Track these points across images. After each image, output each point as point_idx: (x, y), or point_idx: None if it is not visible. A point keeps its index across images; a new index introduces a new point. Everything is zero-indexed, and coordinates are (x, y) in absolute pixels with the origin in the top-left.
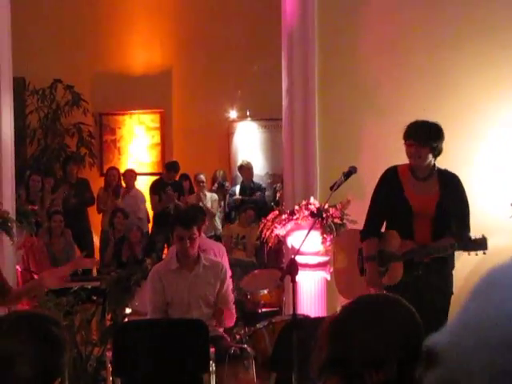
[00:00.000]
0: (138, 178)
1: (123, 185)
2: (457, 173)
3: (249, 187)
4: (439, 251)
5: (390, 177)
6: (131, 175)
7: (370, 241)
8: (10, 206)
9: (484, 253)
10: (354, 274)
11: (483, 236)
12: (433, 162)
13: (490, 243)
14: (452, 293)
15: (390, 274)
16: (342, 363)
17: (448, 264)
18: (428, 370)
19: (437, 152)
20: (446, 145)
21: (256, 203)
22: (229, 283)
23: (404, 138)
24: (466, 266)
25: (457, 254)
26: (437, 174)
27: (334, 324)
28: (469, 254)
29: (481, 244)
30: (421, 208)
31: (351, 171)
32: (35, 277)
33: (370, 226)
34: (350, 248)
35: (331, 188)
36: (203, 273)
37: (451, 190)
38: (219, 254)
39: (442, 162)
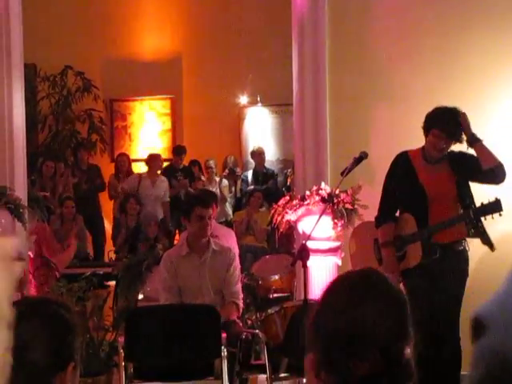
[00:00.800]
0: None
1: (133, 171)
2: None
3: (261, 173)
4: (454, 221)
5: (403, 162)
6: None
7: (385, 227)
8: (21, 192)
9: (500, 214)
10: (371, 265)
11: (496, 198)
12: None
13: (501, 228)
14: (468, 275)
15: (408, 256)
16: (321, 350)
17: (464, 247)
18: (476, 339)
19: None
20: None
21: (268, 190)
22: (236, 270)
23: (431, 127)
24: (476, 252)
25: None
26: (447, 156)
27: (317, 307)
28: (485, 219)
29: (495, 206)
30: (436, 192)
31: (362, 156)
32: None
33: (385, 212)
34: (366, 239)
35: (342, 173)
36: (213, 258)
37: (461, 160)
38: (230, 240)
39: (453, 145)
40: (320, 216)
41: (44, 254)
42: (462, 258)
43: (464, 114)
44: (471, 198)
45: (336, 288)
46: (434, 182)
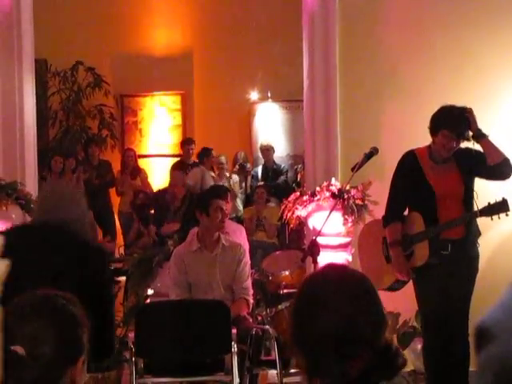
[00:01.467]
0: (158, 159)
1: (140, 166)
2: None
3: (271, 168)
4: (459, 221)
5: (410, 161)
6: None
7: (392, 226)
8: (32, 188)
9: (506, 214)
10: (380, 263)
11: (503, 198)
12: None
13: (508, 225)
14: (478, 269)
15: (415, 255)
16: (310, 356)
17: (475, 243)
18: (482, 348)
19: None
20: None
21: (278, 187)
22: (246, 266)
23: (440, 127)
24: (488, 246)
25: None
26: (453, 154)
27: (293, 305)
28: (492, 219)
29: (502, 206)
30: (444, 190)
31: (373, 152)
32: None
33: (392, 211)
34: (375, 237)
35: (352, 169)
36: (223, 253)
37: (467, 156)
38: (240, 236)
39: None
40: (330, 212)
41: None
42: (473, 253)
43: (470, 110)
44: (473, 196)
45: (307, 296)
46: (441, 181)
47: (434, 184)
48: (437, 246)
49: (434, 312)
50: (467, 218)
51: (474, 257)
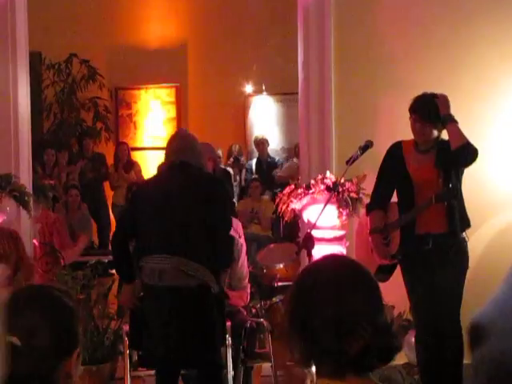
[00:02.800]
0: (152, 152)
1: (134, 160)
2: None
3: (265, 162)
4: (423, 207)
5: (394, 151)
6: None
7: (374, 213)
8: (26, 180)
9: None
10: (367, 253)
11: (449, 187)
12: (437, 135)
13: (502, 218)
14: (467, 267)
15: (391, 243)
16: (308, 342)
17: (459, 237)
18: (476, 346)
19: (441, 126)
20: (463, 119)
21: (273, 180)
22: (243, 259)
23: (409, 112)
24: (480, 241)
25: (470, 229)
26: (437, 145)
27: (293, 291)
28: (445, 204)
29: (448, 194)
30: (422, 179)
31: (367, 145)
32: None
33: (375, 199)
34: (366, 229)
35: (347, 162)
36: None
37: (447, 148)
38: (236, 229)
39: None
40: (325, 205)
41: (50, 243)
42: (460, 248)
43: (442, 96)
44: (456, 187)
45: (308, 282)
46: (420, 169)
47: (412, 172)
48: (418, 241)
49: (421, 305)
50: (424, 206)
51: (460, 251)
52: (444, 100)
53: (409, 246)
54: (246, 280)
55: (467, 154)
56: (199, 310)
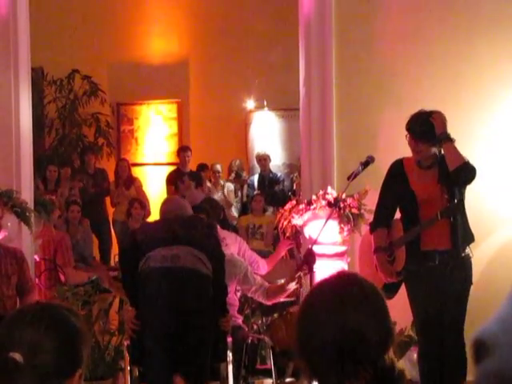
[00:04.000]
0: (154, 168)
1: (134, 175)
2: (473, 163)
3: (267, 177)
4: (428, 223)
5: (396, 169)
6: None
7: (377, 232)
8: (28, 196)
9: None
10: (371, 270)
11: (458, 200)
12: (436, 151)
13: (503, 234)
14: (471, 283)
15: (396, 259)
16: (310, 363)
17: (466, 253)
18: (479, 361)
19: (439, 143)
20: (463, 135)
21: (275, 196)
22: (247, 268)
23: (406, 130)
24: (481, 257)
25: (474, 244)
26: (439, 161)
27: (299, 313)
28: (451, 219)
29: (457, 206)
30: (425, 196)
31: (369, 161)
32: (59, 270)
33: (378, 217)
34: (369, 246)
35: (348, 178)
36: None
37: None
38: (232, 243)
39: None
40: (326, 220)
41: (52, 259)
42: (465, 264)
43: (438, 114)
44: (460, 202)
45: (316, 299)
46: (423, 186)
47: (415, 189)
48: (424, 257)
49: (425, 321)
50: (429, 223)
51: (465, 267)
52: (439, 119)
53: (414, 262)
54: (259, 280)
55: (466, 174)
56: (206, 297)
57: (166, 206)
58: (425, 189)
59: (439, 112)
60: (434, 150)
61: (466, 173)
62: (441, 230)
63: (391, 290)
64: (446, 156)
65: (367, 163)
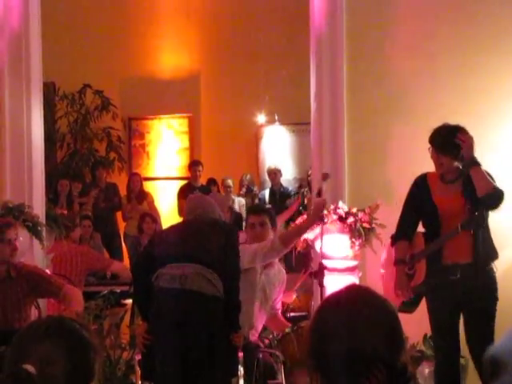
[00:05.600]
0: (165, 182)
1: (146, 190)
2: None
3: (278, 192)
4: (449, 236)
5: (420, 183)
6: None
7: (399, 244)
8: (39, 210)
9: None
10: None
11: (477, 213)
12: (460, 165)
13: None
14: (497, 298)
15: (417, 273)
16: (324, 375)
17: (485, 267)
18: (495, 378)
19: (462, 157)
20: (475, 147)
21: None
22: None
23: (429, 143)
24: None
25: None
26: (463, 174)
27: (311, 326)
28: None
29: (479, 218)
30: (447, 209)
31: (325, 177)
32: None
33: (400, 230)
34: (392, 261)
35: (317, 194)
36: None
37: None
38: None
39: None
40: (321, 233)
41: (63, 273)
42: (488, 278)
43: (463, 132)
44: (482, 216)
45: (327, 311)
46: (446, 200)
47: (438, 203)
48: (445, 271)
49: (444, 333)
50: (450, 235)
51: (488, 282)
52: (468, 142)
53: (435, 276)
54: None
55: (495, 200)
56: (214, 318)
57: (189, 204)
58: (448, 203)
59: (468, 135)
60: (457, 163)
61: (495, 199)
62: (462, 243)
63: (411, 304)
64: (474, 181)
65: (326, 177)
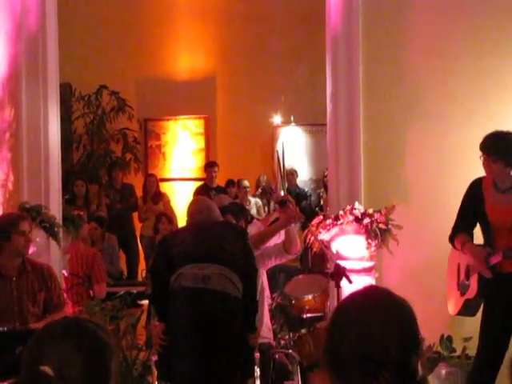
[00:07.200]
0: (181, 183)
1: (162, 191)
2: None
3: (294, 193)
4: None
5: (475, 188)
6: None
7: (459, 236)
8: (56, 211)
9: None
10: (453, 289)
11: None
12: None
13: None
14: None
15: (470, 287)
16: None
17: None
18: None
19: None
20: None
21: (301, 211)
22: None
23: (491, 154)
24: None
25: None
26: None
27: (329, 325)
28: None
29: None
30: (499, 220)
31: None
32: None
33: (456, 227)
34: (452, 265)
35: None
36: None
37: None
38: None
39: None
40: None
41: (80, 274)
42: None
43: None
44: None
45: (342, 312)
46: (497, 210)
47: (488, 213)
48: (502, 283)
49: (494, 332)
50: None
51: None
52: None
53: (494, 285)
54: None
55: None
56: (235, 319)
57: (193, 208)
58: (498, 213)
59: None
60: (510, 171)
61: None
62: None
63: (473, 306)
64: None
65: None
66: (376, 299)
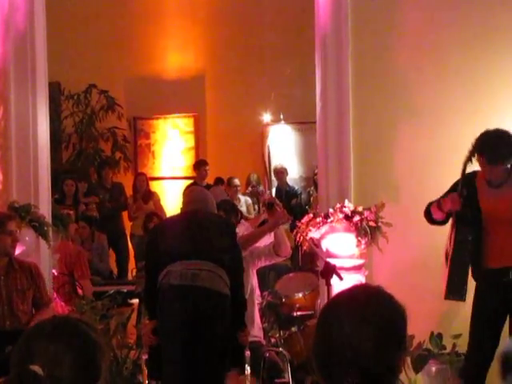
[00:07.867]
0: (171, 182)
1: (152, 190)
2: None
3: (284, 190)
4: None
5: (468, 181)
6: None
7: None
8: (46, 210)
9: None
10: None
11: None
12: (508, 168)
13: None
14: None
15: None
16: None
17: None
18: (507, 374)
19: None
20: None
21: (292, 209)
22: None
23: (476, 152)
24: None
25: None
26: (510, 177)
27: (317, 323)
28: None
29: None
30: (492, 213)
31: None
32: (77, 283)
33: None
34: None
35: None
36: None
37: None
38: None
39: None
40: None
41: (70, 273)
42: None
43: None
44: None
45: (331, 309)
46: (491, 204)
47: (482, 206)
48: (489, 271)
49: (480, 336)
50: None
51: None
52: None
53: (484, 279)
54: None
55: None
56: (225, 316)
57: (188, 197)
58: (493, 206)
59: None
60: (505, 168)
61: None
62: (508, 248)
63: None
64: None
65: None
66: (364, 297)
